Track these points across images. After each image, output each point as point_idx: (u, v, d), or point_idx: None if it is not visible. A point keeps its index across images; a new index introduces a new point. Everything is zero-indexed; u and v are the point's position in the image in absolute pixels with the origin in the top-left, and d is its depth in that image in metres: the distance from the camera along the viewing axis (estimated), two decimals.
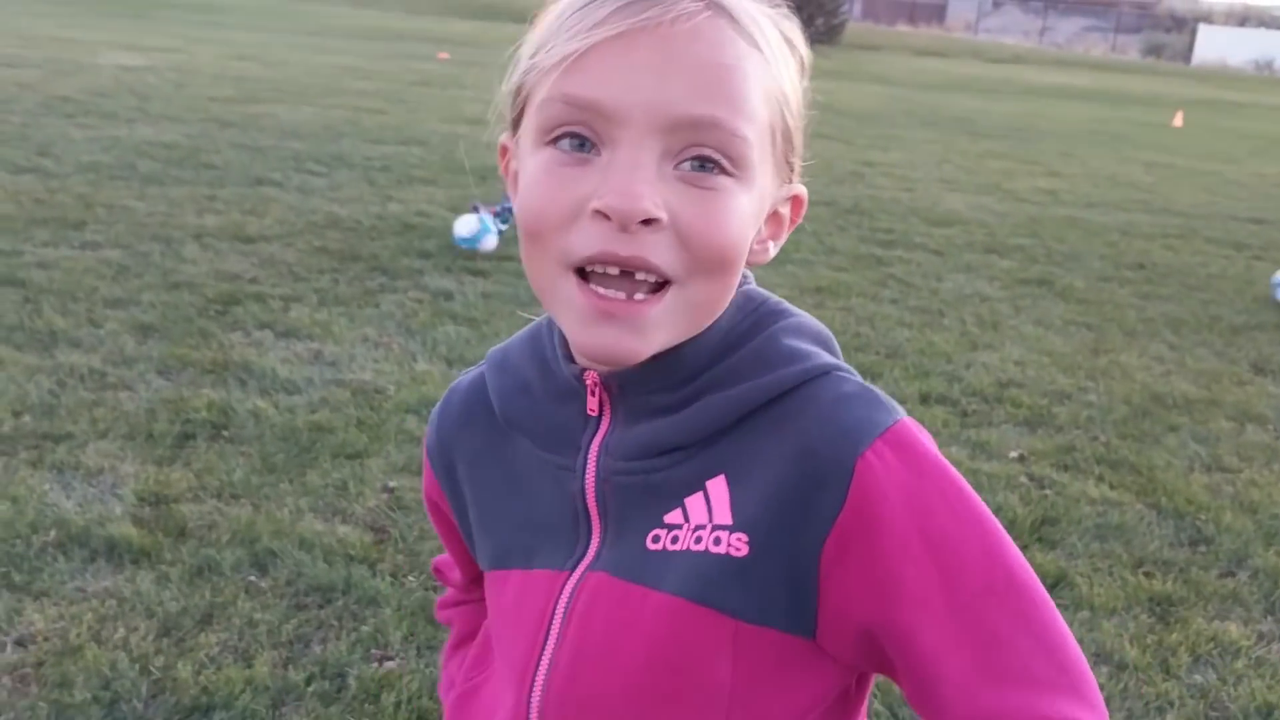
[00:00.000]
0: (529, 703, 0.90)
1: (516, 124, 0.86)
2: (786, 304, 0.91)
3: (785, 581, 0.82)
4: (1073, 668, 0.79)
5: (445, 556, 1.17)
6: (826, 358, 0.87)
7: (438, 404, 1.04)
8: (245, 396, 4.28)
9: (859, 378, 0.87)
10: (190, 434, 3.91)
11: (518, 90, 0.84)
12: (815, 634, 0.83)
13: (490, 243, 6.89)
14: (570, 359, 0.88)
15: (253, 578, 2.99)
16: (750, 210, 0.80)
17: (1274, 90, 31.05)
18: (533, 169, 0.80)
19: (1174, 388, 5.40)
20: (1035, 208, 10.04)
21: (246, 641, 2.70)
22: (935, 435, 3.56)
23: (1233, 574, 3.54)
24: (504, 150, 0.91)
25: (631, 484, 0.87)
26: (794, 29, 0.85)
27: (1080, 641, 3.06)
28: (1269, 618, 3.29)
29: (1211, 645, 3.08)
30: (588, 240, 0.76)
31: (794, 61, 0.84)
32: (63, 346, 4.65)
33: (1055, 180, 11.75)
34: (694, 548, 0.83)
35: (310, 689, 2.53)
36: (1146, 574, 3.48)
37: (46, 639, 2.66)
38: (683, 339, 0.83)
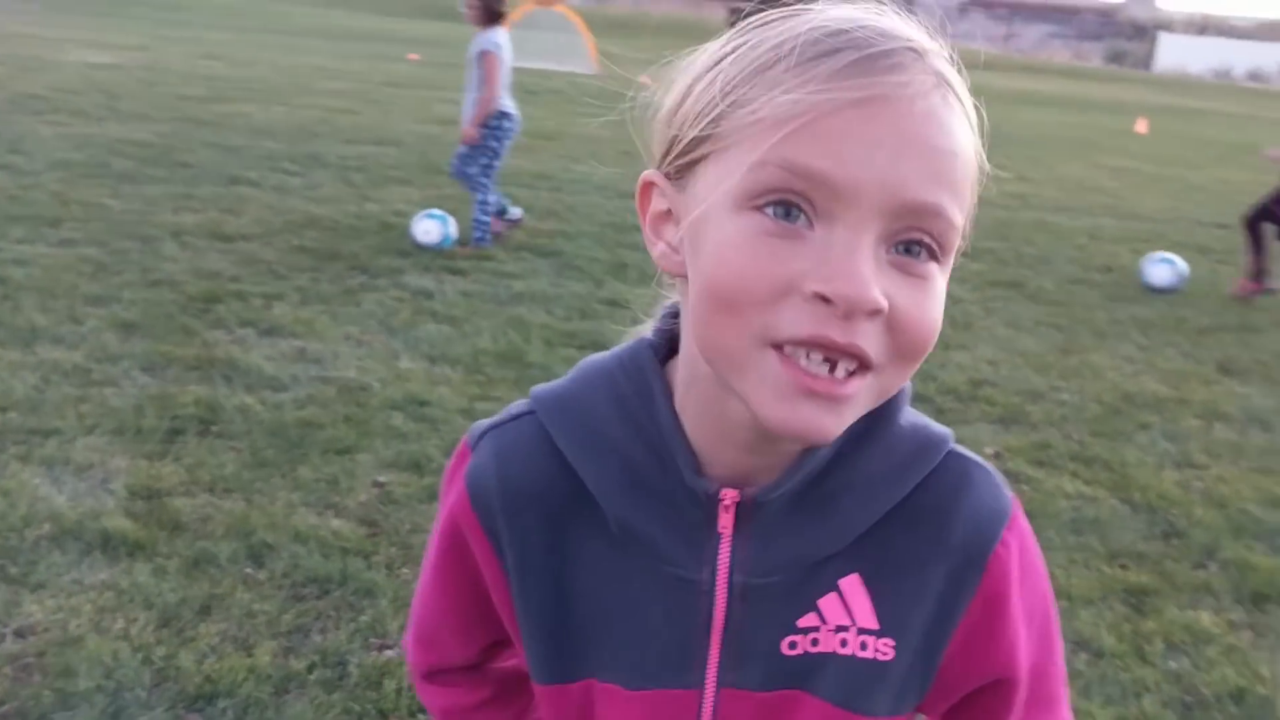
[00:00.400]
0: None
1: (683, 167, 0.76)
2: None
3: (918, 675, 0.84)
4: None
5: (428, 627, 0.99)
6: (941, 431, 0.84)
7: (483, 457, 0.87)
8: (232, 393, 4.30)
9: (958, 445, 0.86)
10: (179, 429, 3.93)
11: (703, 135, 0.74)
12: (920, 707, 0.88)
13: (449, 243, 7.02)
14: (698, 470, 0.80)
15: (249, 570, 3.02)
16: (944, 295, 0.74)
17: (1233, 98, 31.56)
18: (731, 234, 0.70)
19: (1143, 387, 5.52)
20: (1005, 212, 10.19)
21: (246, 631, 2.73)
22: None
23: (1204, 566, 3.65)
24: (648, 185, 0.81)
25: (761, 595, 0.82)
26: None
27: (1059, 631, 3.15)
28: (1239, 607, 3.39)
29: (1185, 633, 3.17)
30: (800, 322, 0.68)
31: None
32: (44, 343, 4.64)
33: (1024, 185, 11.92)
34: (840, 651, 0.82)
35: (312, 676, 2.57)
36: (1121, 566, 3.58)
37: (46, 630, 2.68)
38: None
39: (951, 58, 0.75)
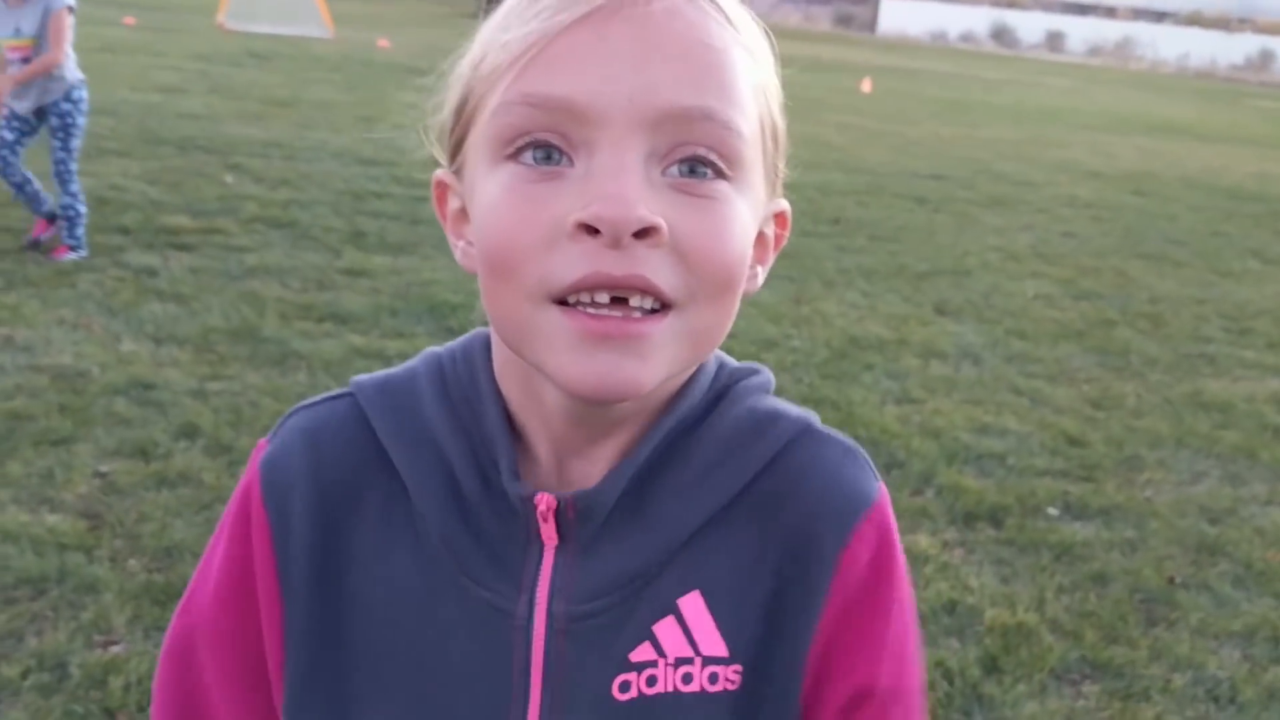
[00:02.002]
0: None
1: (457, 151, 0.69)
2: (729, 358, 0.78)
3: (776, 706, 0.71)
4: None
5: (188, 672, 0.76)
6: (798, 413, 0.75)
7: (288, 439, 0.74)
8: None
9: (822, 427, 0.75)
10: None
11: (460, 108, 0.67)
12: None
13: None
14: (516, 473, 0.69)
15: None
16: (749, 220, 0.66)
17: (947, 59, 33.73)
18: (492, 191, 0.63)
19: (868, 330, 5.87)
20: None
21: None
22: None
23: (921, 492, 3.93)
24: (440, 186, 0.73)
25: (587, 628, 0.69)
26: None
27: None
28: (951, 527, 3.68)
29: (905, 555, 3.41)
30: (571, 263, 0.60)
31: (770, 53, 0.70)
32: None
33: None
34: (684, 688, 0.69)
35: (27, 683, 2.40)
36: None
37: None
38: (684, 371, 0.68)
39: None
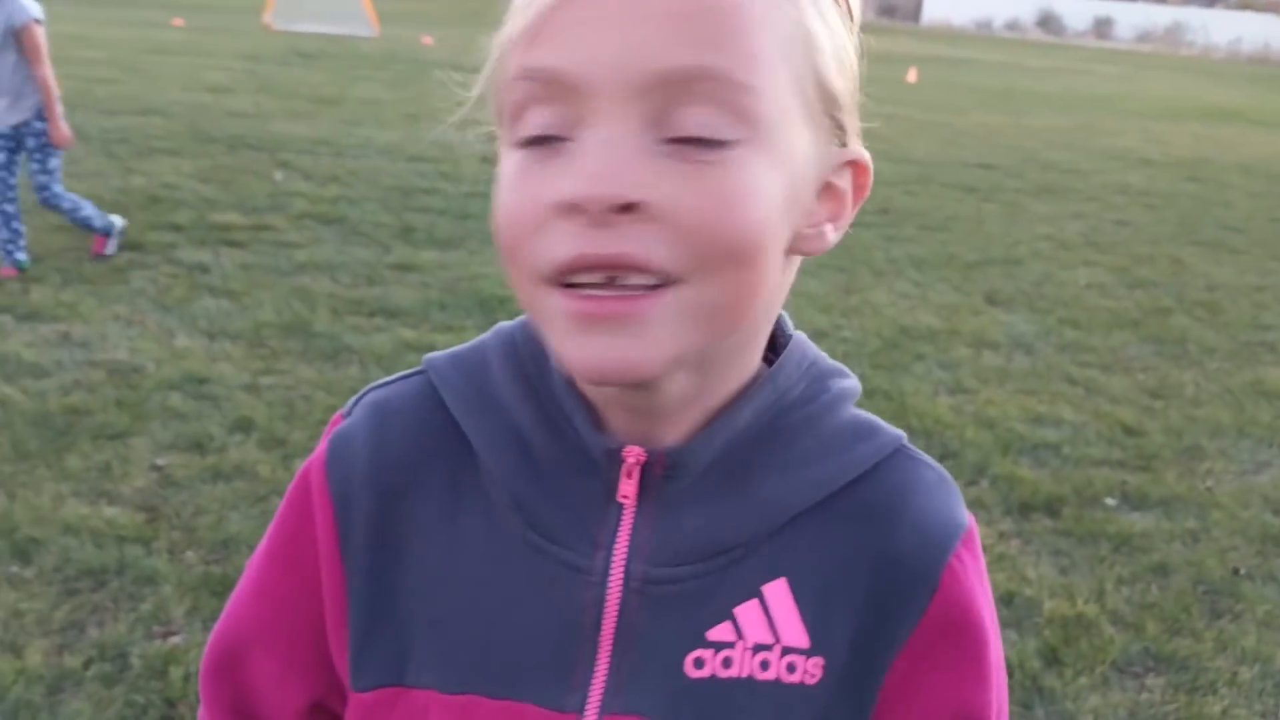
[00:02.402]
0: None
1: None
2: (827, 357, 0.74)
3: (849, 709, 0.69)
4: None
5: (234, 640, 0.76)
6: (892, 431, 0.72)
7: (355, 419, 0.73)
8: None
9: (913, 448, 0.73)
10: None
11: (489, 77, 0.65)
12: None
13: None
14: (598, 426, 0.67)
15: (14, 568, 2.83)
16: (773, 181, 0.60)
17: (993, 48, 33.35)
18: (504, 175, 0.61)
19: (918, 320, 5.80)
20: None
21: (14, 633, 2.56)
22: None
23: (976, 482, 3.88)
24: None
25: (665, 595, 0.67)
26: None
27: None
28: (1007, 518, 3.62)
29: None
30: (558, 244, 0.58)
31: (832, 2, 0.65)
32: None
33: None
34: (760, 675, 0.66)
35: (89, 673, 2.43)
36: None
37: None
38: (702, 350, 0.62)
39: None
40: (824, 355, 0.74)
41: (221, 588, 2.78)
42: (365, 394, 0.74)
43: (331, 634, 0.72)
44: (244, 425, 3.82)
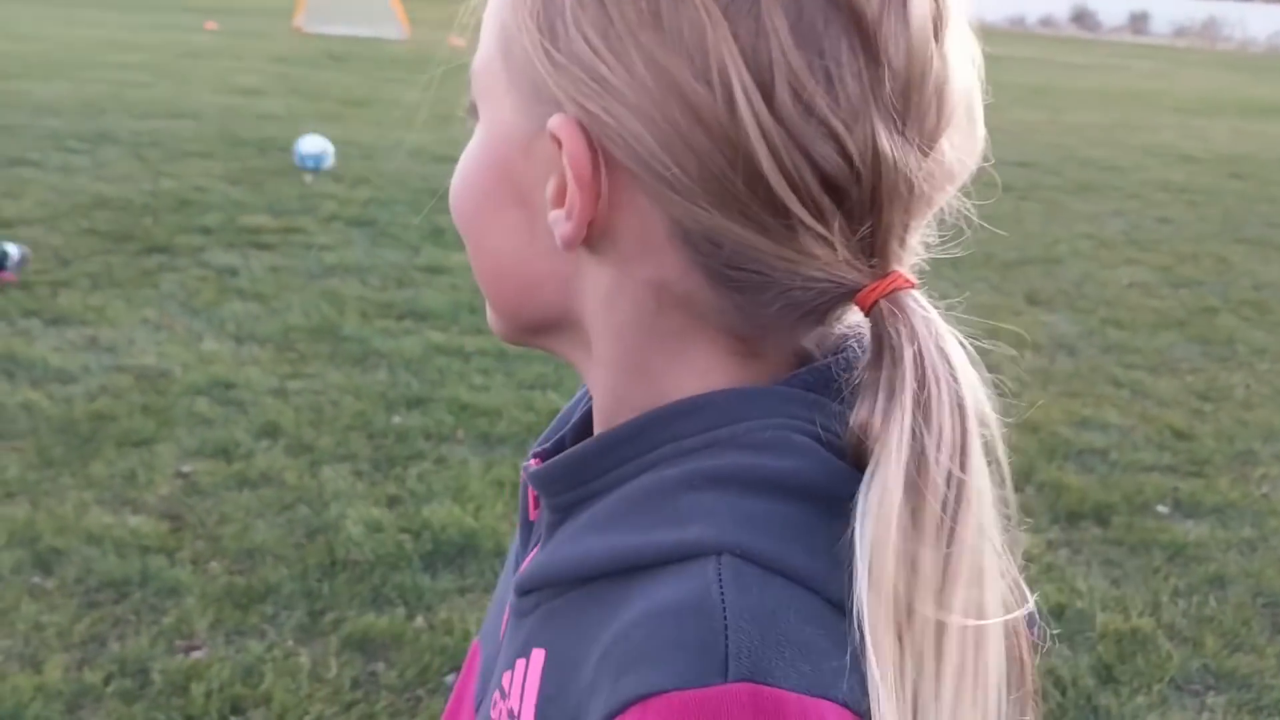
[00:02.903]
0: None
1: None
2: (800, 424, 0.55)
3: None
4: None
5: None
6: (728, 534, 0.51)
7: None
8: (14, 389, 3.96)
9: (754, 572, 0.50)
10: None
11: None
12: None
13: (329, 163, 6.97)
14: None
15: (36, 579, 2.78)
16: (476, 150, 0.60)
17: (1027, 44, 33.01)
18: None
19: (959, 323, 5.67)
20: None
21: (34, 647, 2.50)
22: None
23: (1021, 490, 3.76)
24: None
25: (513, 622, 0.63)
26: None
27: None
28: (1054, 526, 3.50)
29: None
30: None
31: None
32: None
33: None
34: None
35: (110, 689, 2.37)
36: None
37: None
38: (501, 323, 0.63)
39: None
40: (786, 406, 0.56)
41: (246, 599, 2.71)
42: None
43: None
44: (271, 431, 3.76)
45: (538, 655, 0.57)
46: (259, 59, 14.65)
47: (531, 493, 0.64)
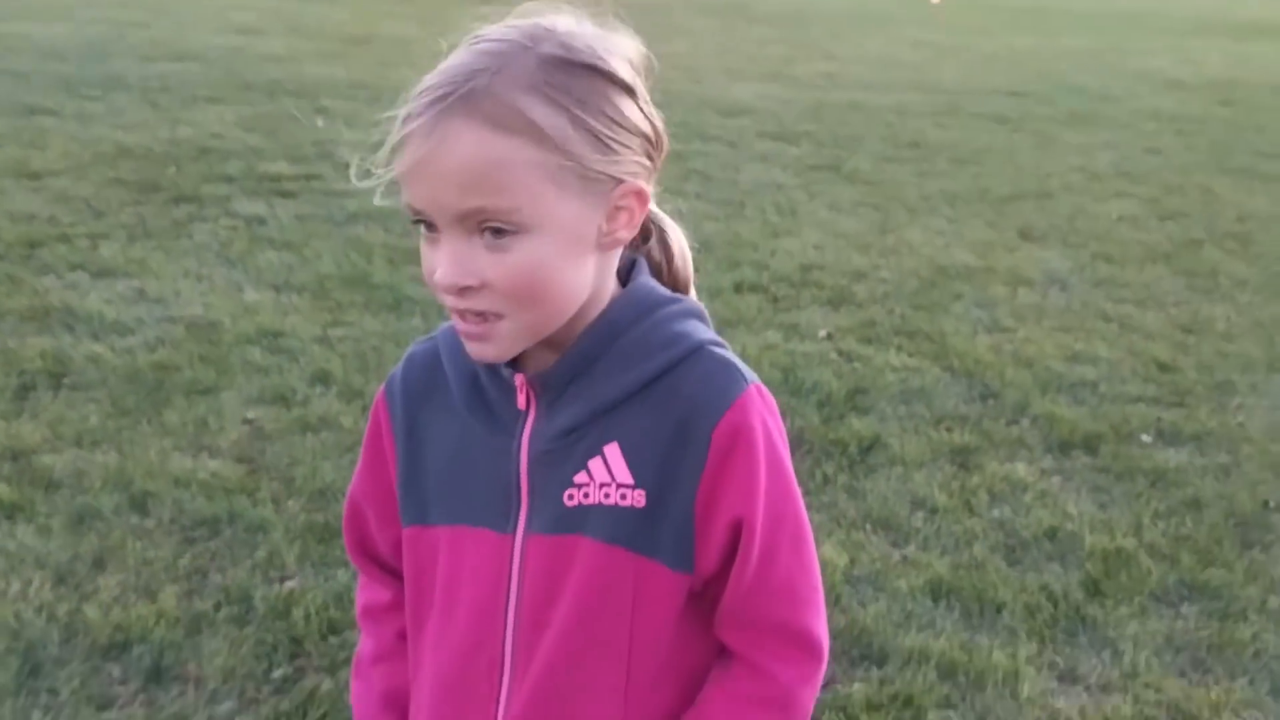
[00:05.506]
0: (504, 647, 1.10)
1: None
2: (665, 291, 1.11)
3: (673, 525, 1.05)
4: (819, 594, 1.12)
5: (353, 501, 1.25)
6: (696, 337, 1.08)
7: (399, 364, 1.21)
8: (77, 342, 4.23)
9: (723, 348, 1.08)
10: (29, 385, 3.87)
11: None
12: (693, 568, 1.06)
13: None
14: (510, 367, 1.09)
15: (135, 519, 3.08)
16: (549, 252, 0.99)
17: None
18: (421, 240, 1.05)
19: (954, 259, 5.95)
20: (817, 92, 10.52)
21: (145, 579, 2.81)
22: (751, 322, 3.98)
23: (1017, 422, 4.08)
24: None
25: (549, 457, 1.08)
26: (575, 48, 1.01)
27: (896, 493, 3.49)
28: (1048, 456, 3.83)
29: (1004, 484, 3.58)
30: (445, 299, 1.02)
31: (564, 112, 0.99)
32: None
33: (831, 64, 12.29)
34: (605, 502, 1.05)
35: (220, 615, 2.68)
36: (947, 429, 3.97)
37: None
38: (533, 342, 1.05)
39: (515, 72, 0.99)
40: (659, 289, 1.11)
41: (326, 534, 3.02)
42: (408, 350, 1.23)
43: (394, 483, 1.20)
44: (323, 378, 4.05)
45: (612, 448, 1.06)
46: None
47: (523, 388, 1.08)
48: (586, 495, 1.06)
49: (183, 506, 3.14)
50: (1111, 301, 5.43)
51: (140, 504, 3.15)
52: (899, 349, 4.67)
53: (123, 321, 4.46)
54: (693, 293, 1.17)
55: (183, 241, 5.50)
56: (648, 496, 1.05)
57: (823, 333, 4.82)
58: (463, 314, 1.02)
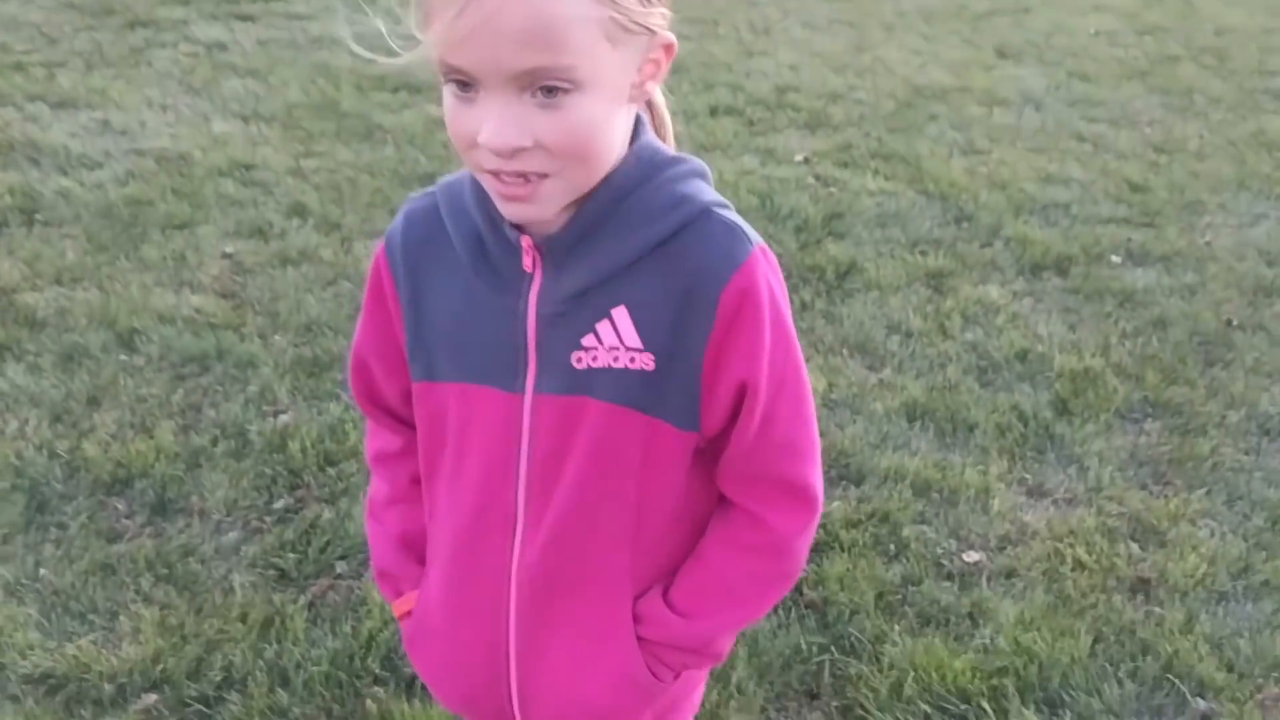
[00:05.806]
0: (516, 500, 1.14)
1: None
2: (669, 150, 1.11)
3: (680, 387, 1.07)
4: (817, 449, 1.16)
5: (358, 355, 1.25)
6: (702, 199, 1.07)
7: (398, 219, 1.19)
8: (45, 176, 4.17)
9: (727, 209, 1.08)
10: (1, 222, 3.83)
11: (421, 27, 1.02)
12: (699, 427, 1.09)
13: None
14: (515, 228, 1.09)
15: (124, 356, 3.11)
16: (599, 108, 0.98)
17: None
18: (444, 99, 1.01)
19: (931, 79, 5.89)
20: None
21: (141, 415, 2.86)
22: (728, 147, 3.98)
23: (990, 244, 4.13)
24: None
25: (556, 320, 1.08)
26: None
27: (872, 317, 3.56)
28: (1020, 278, 3.90)
29: (978, 307, 3.66)
30: (486, 159, 0.99)
31: None
32: None
33: None
34: (613, 365, 1.06)
35: (218, 449, 2.75)
36: (922, 252, 4.02)
37: None
38: (575, 197, 1.03)
39: None
40: (664, 149, 1.10)
41: (315, 368, 3.07)
42: (405, 205, 1.20)
43: (400, 339, 1.20)
44: (299, 210, 4.02)
45: (620, 311, 1.06)
46: None
47: (529, 250, 1.06)
48: (595, 359, 1.07)
49: (170, 343, 3.17)
50: (1086, 121, 5.43)
51: (128, 341, 3.17)
52: (875, 172, 4.68)
53: (90, 155, 4.38)
54: (671, 143, 1.17)
55: (142, 69, 5.34)
56: (656, 360, 1.06)
57: (799, 157, 4.80)
58: (500, 174, 0.99)
